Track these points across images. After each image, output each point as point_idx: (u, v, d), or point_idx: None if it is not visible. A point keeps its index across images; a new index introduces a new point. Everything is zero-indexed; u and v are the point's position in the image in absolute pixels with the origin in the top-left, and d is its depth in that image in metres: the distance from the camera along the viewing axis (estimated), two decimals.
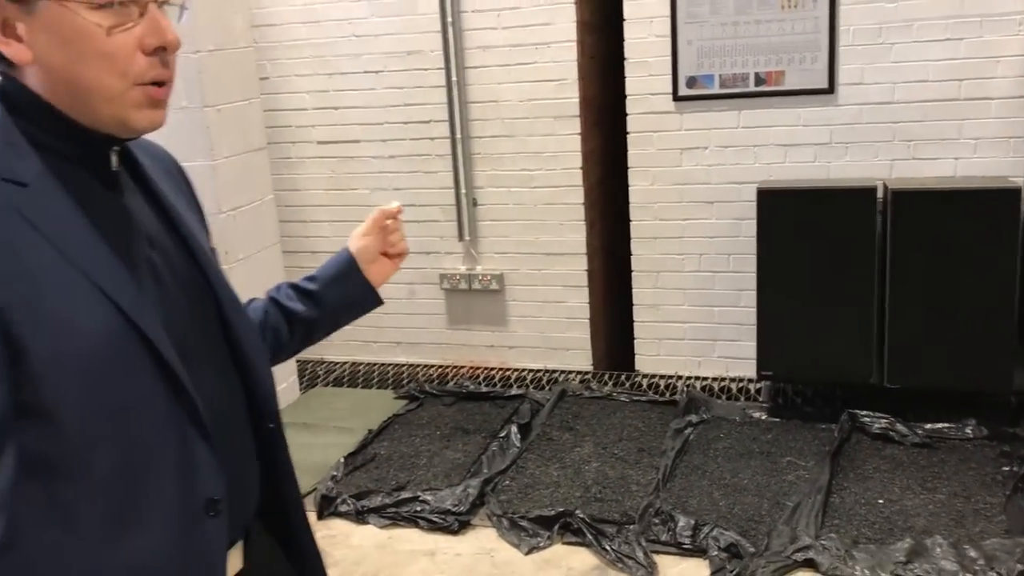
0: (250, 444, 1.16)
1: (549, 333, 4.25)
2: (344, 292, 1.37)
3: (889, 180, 3.56)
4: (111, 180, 1.05)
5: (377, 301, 1.41)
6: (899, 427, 3.35)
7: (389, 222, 1.40)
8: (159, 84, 1.00)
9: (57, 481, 0.96)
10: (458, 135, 4.12)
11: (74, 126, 0.99)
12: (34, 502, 0.95)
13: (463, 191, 4.18)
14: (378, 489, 3.21)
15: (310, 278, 1.38)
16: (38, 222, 0.95)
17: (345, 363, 4.53)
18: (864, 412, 3.45)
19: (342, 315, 1.40)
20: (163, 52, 0.99)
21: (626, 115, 3.93)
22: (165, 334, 1.02)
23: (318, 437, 3.66)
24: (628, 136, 3.94)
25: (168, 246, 1.10)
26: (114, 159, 1.05)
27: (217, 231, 1.43)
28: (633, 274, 4.08)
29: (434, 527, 3.00)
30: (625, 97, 3.92)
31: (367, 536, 3.00)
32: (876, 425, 3.39)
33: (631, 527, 2.86)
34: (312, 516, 3.01)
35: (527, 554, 2.83)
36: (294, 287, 1.37)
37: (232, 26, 3.56)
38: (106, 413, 0.97)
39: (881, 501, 2.94)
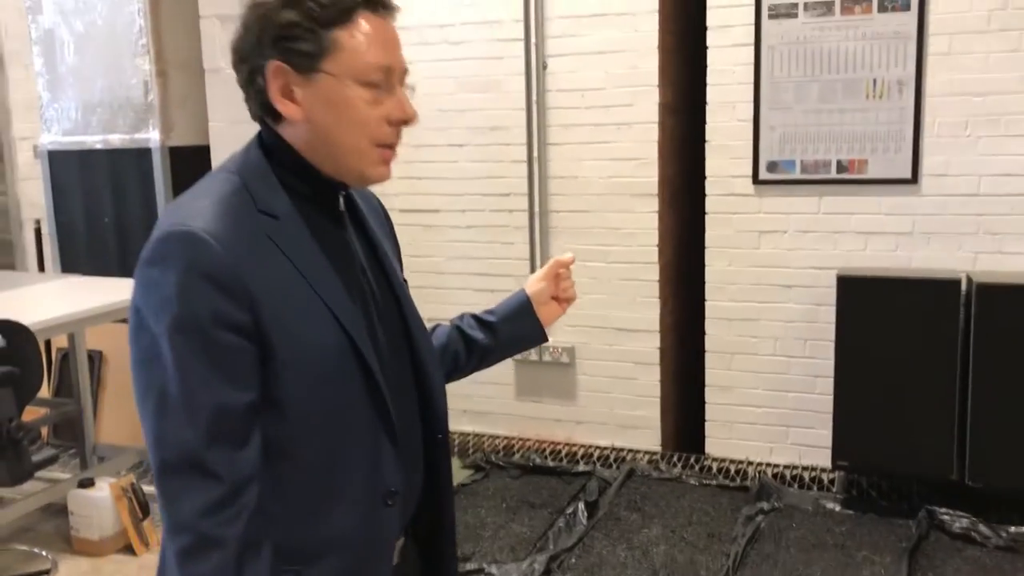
0: (420, 450, 1.34)
1: (618, 410, 4.22)
2: (518, 327, 1.56)
3: (973, 273, 3.51)
4: (338, 218, 1.27)
5: (544, 338, 1.58)
6: (981, 528, 3.23)
7: (562, 271, 1.57)
8: (390, 146, 1.23)
9: (278, 461, 1.16)
10: (536, 208, 4.19)
11: (317, 174, 1.22)
12: (260, 476, 1.15)
13: (538, 263, 4.22)
14: None
15: (489, 312, 1.57)
16: (286, 248, 1.16)
17: None
18: (943, 510, 3.34)
19: (513, 347, 1.59)
20: (403, 124, 1.23)
21: (704, 195, 3.95)
22: (373, 350, 1.22)
23: None
24: (706, 217, 3.96)
25: (375, 275, 1.30)
26: (341, 201, 1.28)
27: None
28: (706, 355, 4.05)
29: None
30: (703, 177, 3.95)
31: None
32: (957, 524, 3.28)
33: None
34: None
35: None
36: (475, 318, 1.56)
37: None
38: (322, 410, 1.18)
39: None
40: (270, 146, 1.22)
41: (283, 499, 1.17)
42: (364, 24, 1.17)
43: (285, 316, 1.13)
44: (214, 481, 1.09)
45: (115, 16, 4.35)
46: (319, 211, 1.23)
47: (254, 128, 1.29)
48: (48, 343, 4.51)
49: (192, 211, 1.14)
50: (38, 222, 5.07)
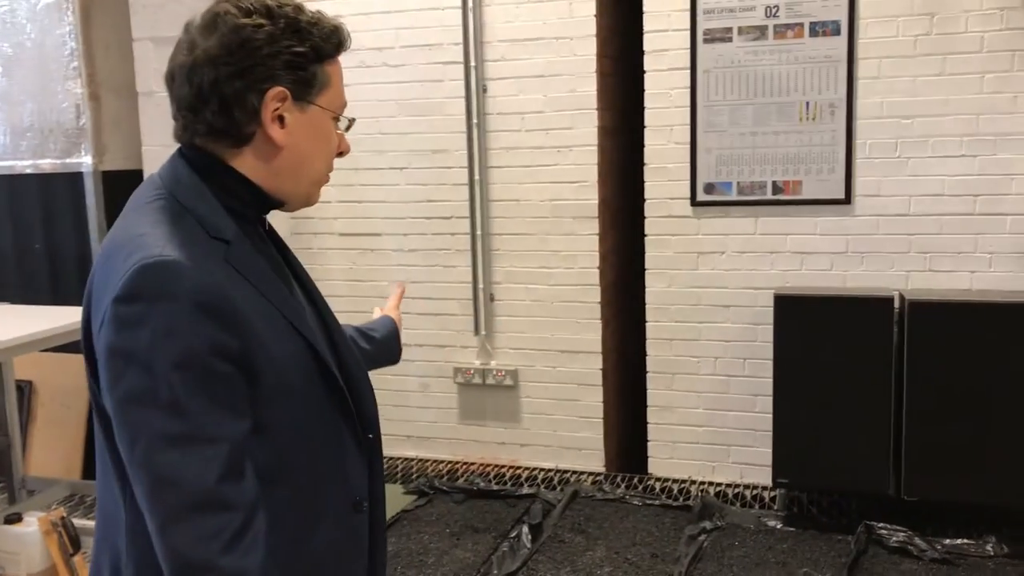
0: (357, 451, 1.34)
1: (562, 432, 4.22)
2: (389, 346, 1.71)
3: (906, 290, 3.59)
4: (262, 236, 1.29)
5: (399, 358, 1.76)
6: (917, 541, 3.29)
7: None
8: None
9: (269, 486, 1.14)
10: (478, 231, 4.18)
11: (263, 196, 1.24)
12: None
13: (481, 286, 4.22)
14: None
15: (370, 327, 1.68)
16: (242, 270, 1.16)
17: None
18: (881, 524, 3.40)
19: (379, 363, 1.68)
20: (340, 156, 1.32)
21: (643, 217, 3.99)
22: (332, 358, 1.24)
23: None
24: (645, 239, 3.99)
25: (298, 285, 1.33)
26: (266, 220, 1.32)
27: None
28: (648, 375, 4.08)
29: None
30: (643, 200, 3.99)
31: None
32: (894, 538, 3.34)
33: None
34: None
35: None
36: (359, 331, 1.64)
37: None
38: (301, 426, 1.19)
39: None
40: (206, 168, 1.20)
41: (274, 526, 1.14)
42: (339, 63, 1.26)
43: (263, 338, 1.13)
44: (229, 513, 1.07)
45: (45, 38, 4.25)
46: (254, 230, 1.25)
47: None
48: None
49: (158, 241, 1.10)
50: None
